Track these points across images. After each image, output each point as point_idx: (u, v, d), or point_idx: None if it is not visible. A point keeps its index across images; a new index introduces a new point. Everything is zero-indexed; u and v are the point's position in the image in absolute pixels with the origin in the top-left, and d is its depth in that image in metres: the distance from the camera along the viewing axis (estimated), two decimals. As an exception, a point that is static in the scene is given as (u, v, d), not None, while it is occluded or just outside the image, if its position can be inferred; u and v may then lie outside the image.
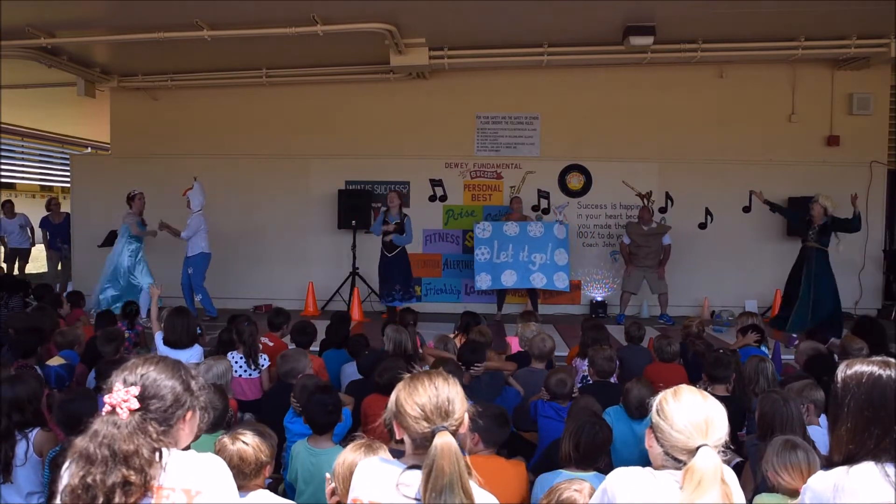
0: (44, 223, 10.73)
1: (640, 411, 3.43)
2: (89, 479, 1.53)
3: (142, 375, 1.67)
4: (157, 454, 1.61)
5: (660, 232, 8.85)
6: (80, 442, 1.58)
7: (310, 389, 3.35)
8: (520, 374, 4.55)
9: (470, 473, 1.70)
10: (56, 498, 1.65)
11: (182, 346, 4.39)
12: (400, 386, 1.79)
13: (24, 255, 11.20)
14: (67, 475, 1.59)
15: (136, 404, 1.61)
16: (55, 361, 4.46)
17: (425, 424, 1.71)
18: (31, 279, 7.99)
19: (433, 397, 1.73)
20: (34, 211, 15.31)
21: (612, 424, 3.09)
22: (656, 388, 2.53)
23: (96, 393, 3.29)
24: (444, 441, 1.65)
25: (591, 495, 2.22)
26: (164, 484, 1.62)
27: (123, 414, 1.59)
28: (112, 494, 1.53)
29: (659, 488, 1.72)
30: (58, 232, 10.61)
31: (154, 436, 1.61)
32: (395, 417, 1.78)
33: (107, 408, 1.61)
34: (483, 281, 8.86)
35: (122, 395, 1.61)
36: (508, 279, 8.73)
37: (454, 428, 1.72)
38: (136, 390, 1.63)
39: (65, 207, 10.93)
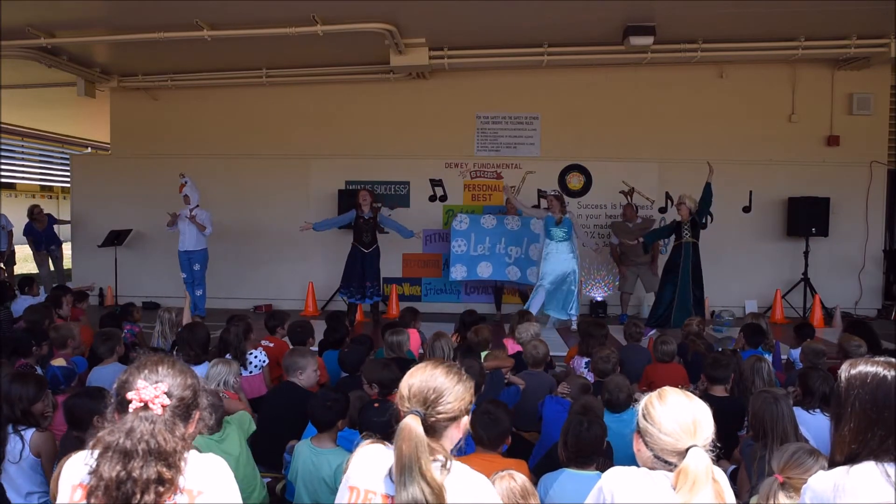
0: (27, 230, 10.37)
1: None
2: (125, 474, 1.51)
3: (164, 374, 1.67)
4: (187, 451, 1.61)
5: (645, 227, 8.84)
6: (111, 437, 1.55)
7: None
8: (519, 377, 4.53)
9: (446, 466, 1.66)
10: (73, 494, 1.62)
11: (191, 360, 4.35)
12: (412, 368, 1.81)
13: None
14: (86, 470, 1.56)
15: (167, 400, 1.61)
16: (58, 362, 4.33)
17: (406, 405, 1.72)
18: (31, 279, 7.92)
19: (421, 382, 1.73)
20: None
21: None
22: (655, 388, 2.54)
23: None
24: (406, 423, 1.65)
25: (521, 484, 2.22)
26: None
27: (157, 409, 1.59)
28: (146, 491, 1.52)
29: (655, 488, 1.72)
30: (42, 239, 10.32)
31: (180, 432, 1.61)
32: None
33: (136, 404, 1.59)
34: (458, 272, 8.75)
35: (152, 392, 1.60)
36: (484, 270, 8.67)
37: (434, 418, 1.71)
38: (164, 386, 1.63)
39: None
